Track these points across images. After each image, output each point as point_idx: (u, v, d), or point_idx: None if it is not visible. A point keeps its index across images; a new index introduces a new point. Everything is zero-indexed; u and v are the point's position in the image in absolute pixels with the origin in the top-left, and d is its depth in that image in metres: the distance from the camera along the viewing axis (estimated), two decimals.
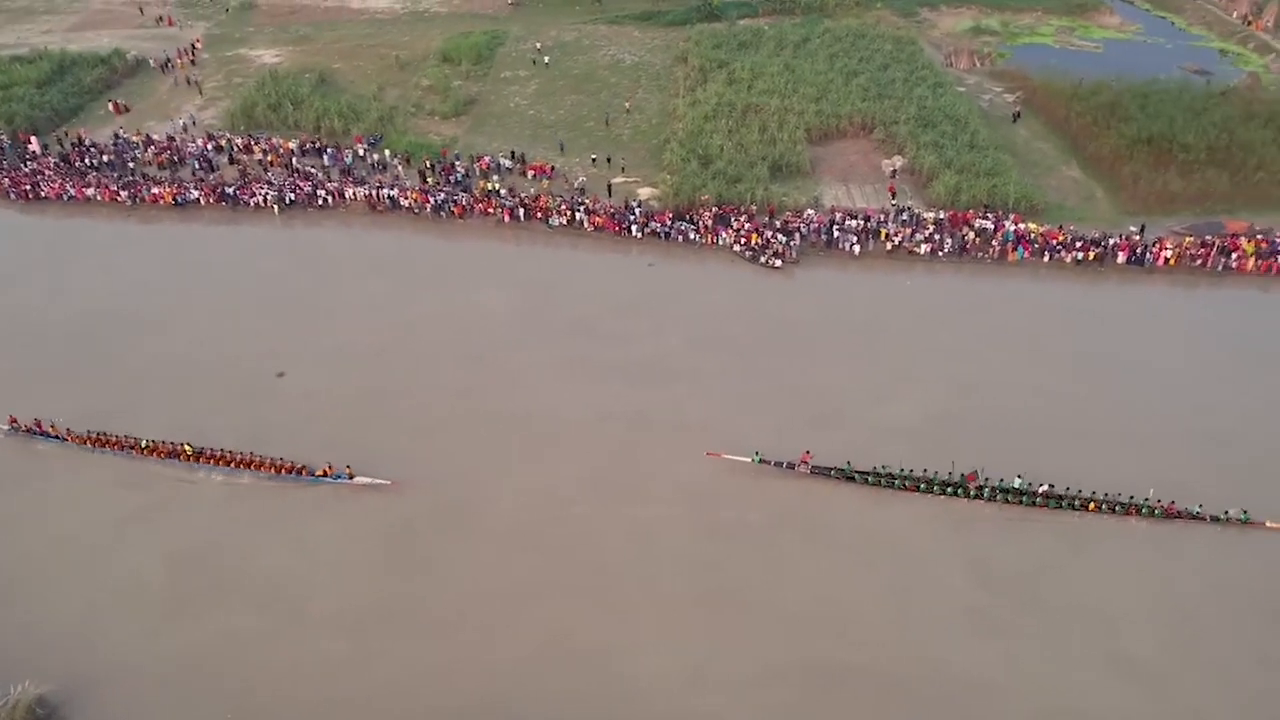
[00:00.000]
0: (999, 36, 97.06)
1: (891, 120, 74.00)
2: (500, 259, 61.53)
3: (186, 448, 44.82)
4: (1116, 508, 42.38)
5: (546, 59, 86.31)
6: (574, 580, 39.47)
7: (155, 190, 66.67)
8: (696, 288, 58.79)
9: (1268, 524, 41.79)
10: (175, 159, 70.97)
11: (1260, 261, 60.31)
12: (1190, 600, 38.70)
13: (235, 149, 71.73)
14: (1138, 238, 62.03)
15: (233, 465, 44.46)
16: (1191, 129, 70.63)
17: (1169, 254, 60.61)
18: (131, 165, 70.76)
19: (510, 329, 54.32)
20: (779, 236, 61.60)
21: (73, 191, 66.94)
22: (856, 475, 44.00)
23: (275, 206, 65.48)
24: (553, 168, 69.82)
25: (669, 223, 63.36)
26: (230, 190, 66.22)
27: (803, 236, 62.28)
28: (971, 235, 62.16)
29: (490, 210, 65.11)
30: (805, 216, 63.86)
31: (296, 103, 76.87)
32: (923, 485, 43.55)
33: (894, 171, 69.52)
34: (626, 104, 72.83)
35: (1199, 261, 60.62)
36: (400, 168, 70.15)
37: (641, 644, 37.00)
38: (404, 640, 37.06)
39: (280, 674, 36.02)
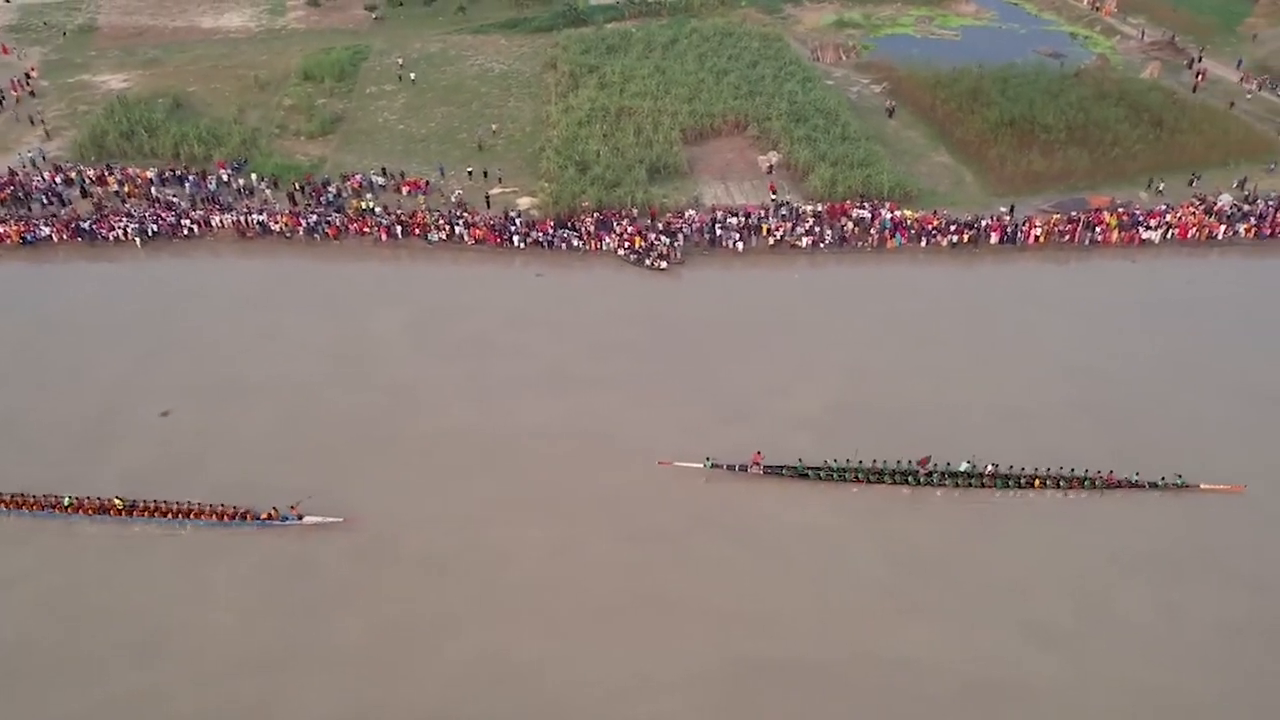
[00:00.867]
0: (862, 29, 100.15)
1: (764, 116, 75.58)
2: (383, 278, 60.58)
3: (116, 502, 42.61)
4: (1060, 482, 43.96)
5: (412, 75, 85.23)
6: (502, 600, 39.03)
7: None
8: (587, 295, 58.97)
9: (1202, 486, 43.95)
10: (20, 195, 67.61)
11: (1123, 233, 63.77)
12: (1096, 566, 40.50)
13: (87, 181, 68.73)
14: (1008, 218, 64.90)
15: (170, 516, 42.42)
16: (1050, 110, 74.39)
17: (1038, 232, 63.59)
18: None
19: (405, 349, 53.47)
20: (662, 238, 62.30)
21: None
22: (809, 472, 44.54)
23: (137, 239, 63.03)
24: (427, 182, 69.11)
25: (551, 231, 63.41)
26: (86, 224, 63.44)
27: (686, 237, 63.12)
28: (850, 225, 64.02)
29: (366, 230, 64.06)
30: (687, 217, 64.75)
31: (151, 129, 74.07)
32: (874, 476, 44.47)
33: (770, 167, 71.05)
34: (494, 127, 72.42)
35: (1067, 237, 63.77)
36: (269, 191, 68.37)
37: (575, 655, 36.90)
38: (323, 676, 36.13)
39: None
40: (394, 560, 40.80)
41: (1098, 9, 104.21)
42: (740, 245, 63.00)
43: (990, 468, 44.26)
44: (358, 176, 69.19)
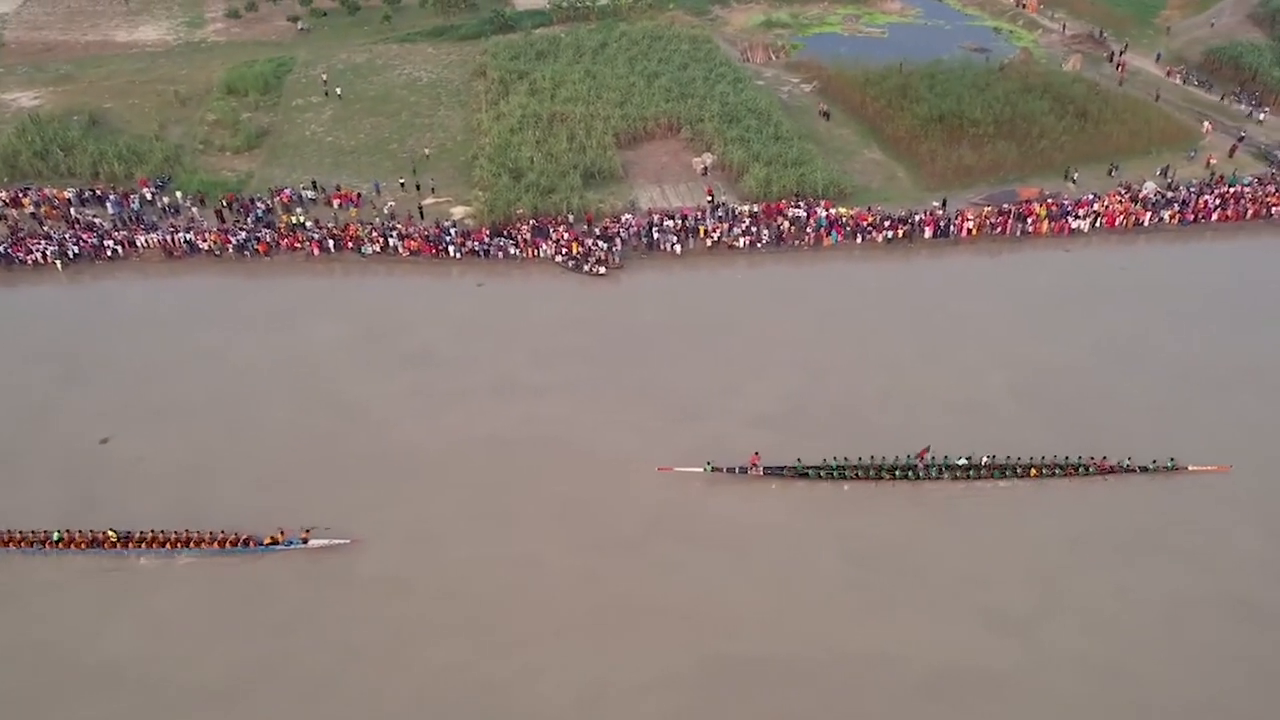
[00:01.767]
0: (790, 29, 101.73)
1: (697, 119, 76.38)
2: (320, 294, 60.10)
3: (110, 534, 41.57)
4: (1056, 470, 45.04)
5: (338, 90, 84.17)
6: (462, 617, 38.92)
7: None
8: (529, 303, 59.05)
9: (1190, 468, 45.34)
10: None
11: (1053, 224, 65.64)
12: (1053, 551, 41.68)
13: (1, 204, 67.16)
14: (941, 212, 66.42)
15: (167, 546, 41.49)
16: (978, 104, 76.31)
17: (971, 225, 65.19)
18: None
19: (348, 365, 53.02)
20: (600, 243, 62.68)
21: None
22: (809, 471, 45.06)
23: (58, 262, 61.68)
24: (359, 195, 68.69)
25: (487, 240, 63.44)
26: (1, 248, 62.00)
27: (623, 241, 63.57)
28: (786, 224, 65.02)
29: (298, 245, 63.47)
30: (623, 221, 65.23)
31: (67, 148, 72.50)
32: (874, 472, 45.13)
33: (705, 169, 71.84)
34: (427, 151, 72.04)
35: (999, 229, 65.46)
36: (195, 209, 67.33)
37: (543, 666, 36.95)
38: (287, 701, 35.74)
39: None
40: (348, 581, 40.44)
41: (1023, 6, 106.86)
42: (678, 248, 63.62)
43: (987, 459, 45.18)
44: (287, 191, 68.54)
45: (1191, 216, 66.68)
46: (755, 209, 66.52)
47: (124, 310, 58.66)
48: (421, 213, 66.83)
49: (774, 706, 35.57)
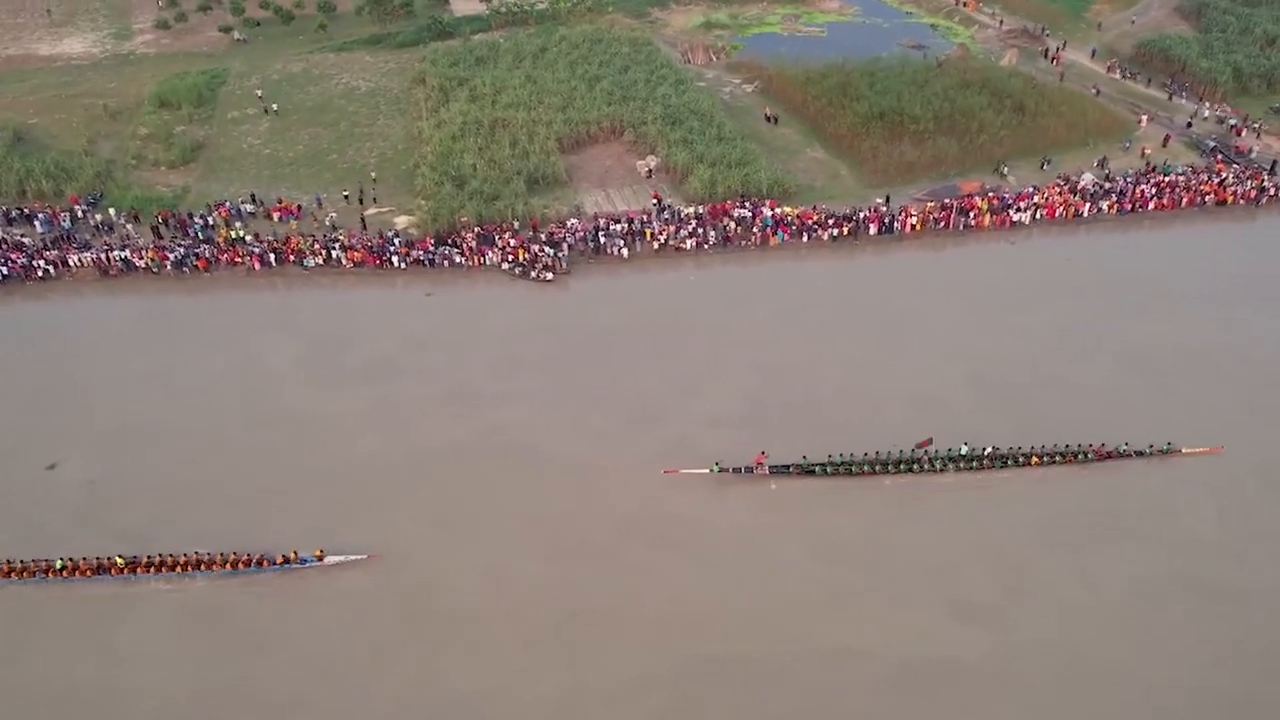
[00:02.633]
0: (730, 29, 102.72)
1: (640, 121, 76.85)
2: (264, 309, 59.60)
3: (118, 560, 40.97)
4: (1056, 458, 46.07)
5: (274, 106, 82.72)
6: (434, 629, 38.90)
7: None
8: (479, 311, 59.01)
9: (1184, 450, 46.55)
10: None
11: (995, 217, 67.01)
12: (1018, 539, 42.66)
13: None
14: (885, 208, 67.51)
15: (178, 570, 40.98)
16: (917, 101, 77.64)
17: (914, 220, 66.33)
18: None
19: (302, 380, 52.65)
20: (546, 249, 62.83)
21: None
22: (816, 468, 45.54)
23: None
24: (299, 207, 68.18)
25: (432, 249, 63.30)
26: None
27: (570, 246, 63.79)
28: (732, 225, 65.68)
29: (238, 260, 62.83)
30: (569, 226, 65.45)
31: None
32: (879, 467, 45.71)
33: (650, 171, 72.30)
34: (373, 175, 71.45)
35: (942, 224, 66.69)
36: (129, 226, 66.35)
37: (514, 679, 37.03)
38: None
39: None
40: (315, 599, 40.25)
41: (963, 3, 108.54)
42: (625, 251, 63.97)
43: (988, 449, 46.08)
44: (225, 205, 67.81)
45: (1129, 206, 68.47)
46: (701, 210, 67.11)
47: (61, 332, 57.70)
48: (364, 223, 66.49)
49: (749, 705, 36.02)
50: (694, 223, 65.95)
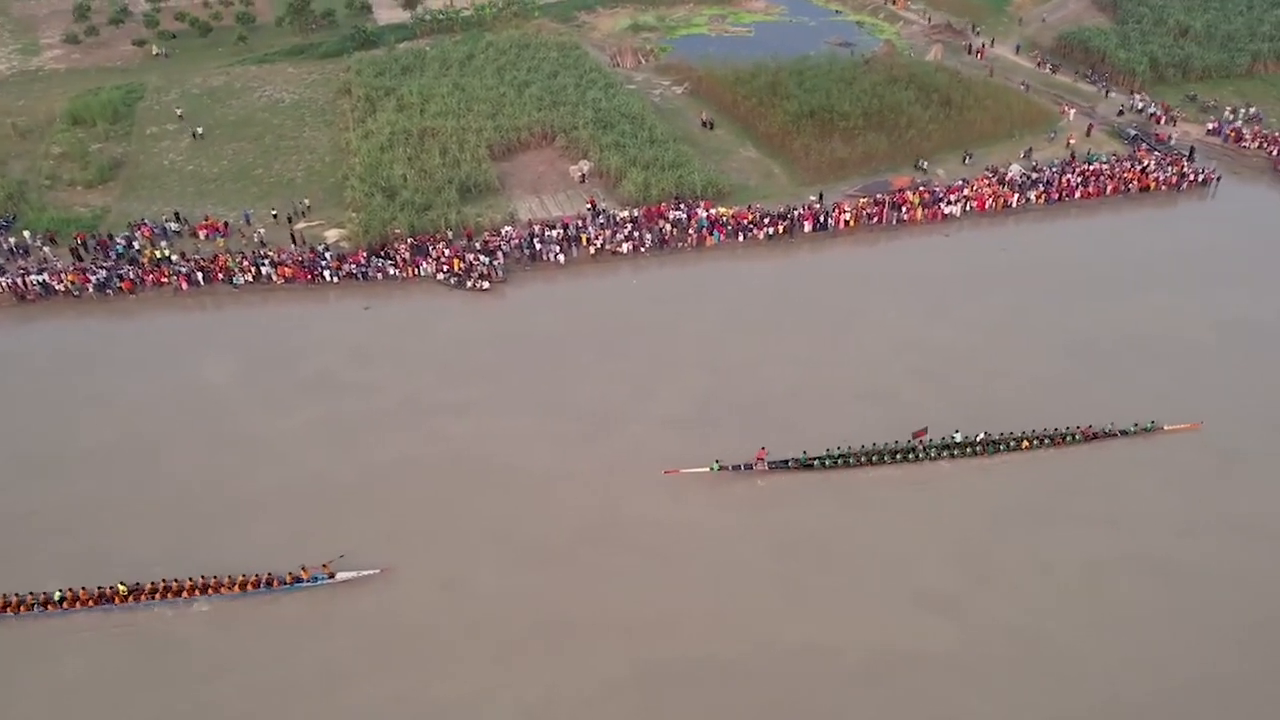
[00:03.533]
0: (658, 31, 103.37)
1: (571, 126, 77.03)
2: (197, 329, 58.68)
3: (120, 588, 40.03)
4: (1046, 440, 47.61)
5: (199, 130, 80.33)
6: (399, 646, 38.69)
7: None
8: (420, 323, 58.60)
9: (1165, 428, 48.25)
10: None
11: (927, 210, 68.37)
12: (975, 526, 43.71)
13: None
14: (818, 206, 68.48)
15: (184, 594, 40.18)
16: (846, 98, 78.80)
17: (848, 216, 67.40)
18: None
19: (245, 400, 51.98)
20: (481, 258, 62.70)
21: None
22: (814, 462, 46.30)
23: None
24: (226, 224, 67.16)
25: (364, 262, 62.80)
26: None
27: (505, 254, 63.72)
28: (668, 227, 66.15)
29: (164, 280, 61.69)
30: (504, 234, 65.40)
31: None
32: (876, 457, 46.65)
33: (583, 176, 72.50)
34: (306, 200, 70.39)
35: (875, 219, 67.84)
36: (46, 249, 64.83)
37: (480, 692, 37.02)
38: None
39: None
40: (272, 621, 39.87)
41: (891, 1, 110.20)
42: (561, 257, 64.07)
43: (980, 435, 47.24)
44: (148, 224, 66.56)
45: (1056, 196, 70.28)
46: (636, 213, 67.47)
47: None
48: (294, 238, 65.72)
49: (717, 705, 36.45)
50: (629, 226, 66.28)
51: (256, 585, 40.67)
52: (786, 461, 46.46)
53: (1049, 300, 59.13)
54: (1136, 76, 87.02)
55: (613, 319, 58.49)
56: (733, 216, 67.09)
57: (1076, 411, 48.82)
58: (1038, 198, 70.13)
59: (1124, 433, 48.23)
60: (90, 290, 60.99)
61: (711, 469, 45.95)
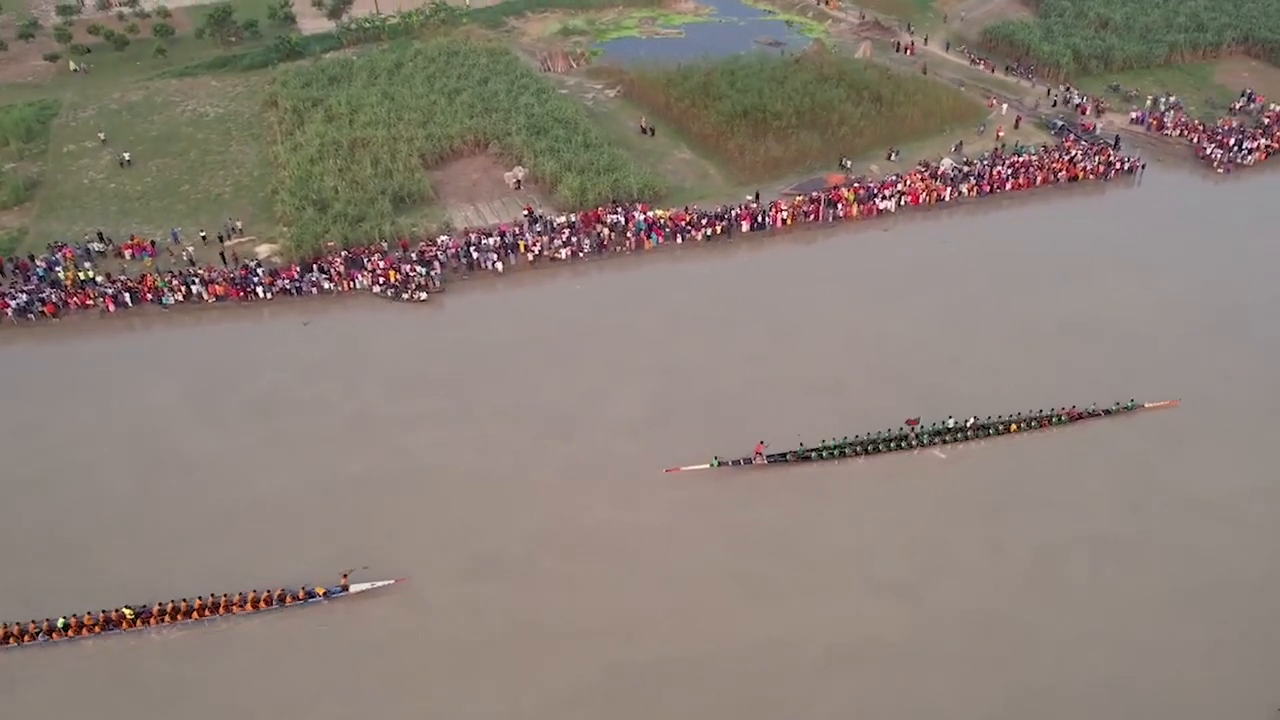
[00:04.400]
0: (588, 35, 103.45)
1: (504, 132, 76.92)
2: (128, 351, 57.69)
3: (127, 612, 39.19)
4: (1033, 423, 49.24)
5: (127, 155, 77.42)
6: (361, 665, 38.43)
7: None
8: (362, 337, 58.14)
9: (1146, 405, 50.30)
10: None
11: (862, 206, 69.40)
12: (926, 515, 44.78)
13: None
14: (755, 205, 69.22)
15: (194, 616, 39.54)
16: (778, 97, 79.78)
17: (785, 215, 68.22)
18: None
19: (189, 422, 51.08)
20: (418, 269, 62.33)
21: None
22: (811, 454, 47.33)
23: None
24: (153, 243, 65.93)
25: (298, 276, 62.09)
26: None
27: (442, 264, 63.44)
28: (606, 232, 66.37)
29: (89, 302, 60.41)
30: (440, 243, 65.10)
31: None
32: (871, 446, 47.83)
33: (518, 183, 72.42)
34: (237, 223, 68.96)
35: (812, 216, 68.77)
36: None
37: (445, 708, 37.00)
38: None
39: None
40: (225, 644, 39.39)
41: (824, 2, 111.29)
42: (499, 265, 63.96)
43: (970, 420, 48.73)
44: (69, 246, 65.08)
45: (988, 188, 71.83)
46: (573, 219, 67.58)
47: None
48: (224, 255, 64.72)
49: (683, 704, 36.89)
50: (567, 232, 66.35)
51: (270, 602, 40.32)
52: (784, 455, 47.40)
53: (991, 289, 60.73)
54: (1061, 69, 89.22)
55: (558, 325, 58.56)
56: (670, 219, 67.52)
57: (1027, 396, 50.31)
58: (970, 190, 71.59)
59: (1107, 412, 50.04)
60: (9, 315, 59.46)
61: (711, 465, 46.67)
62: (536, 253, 64.82)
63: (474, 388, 53.11)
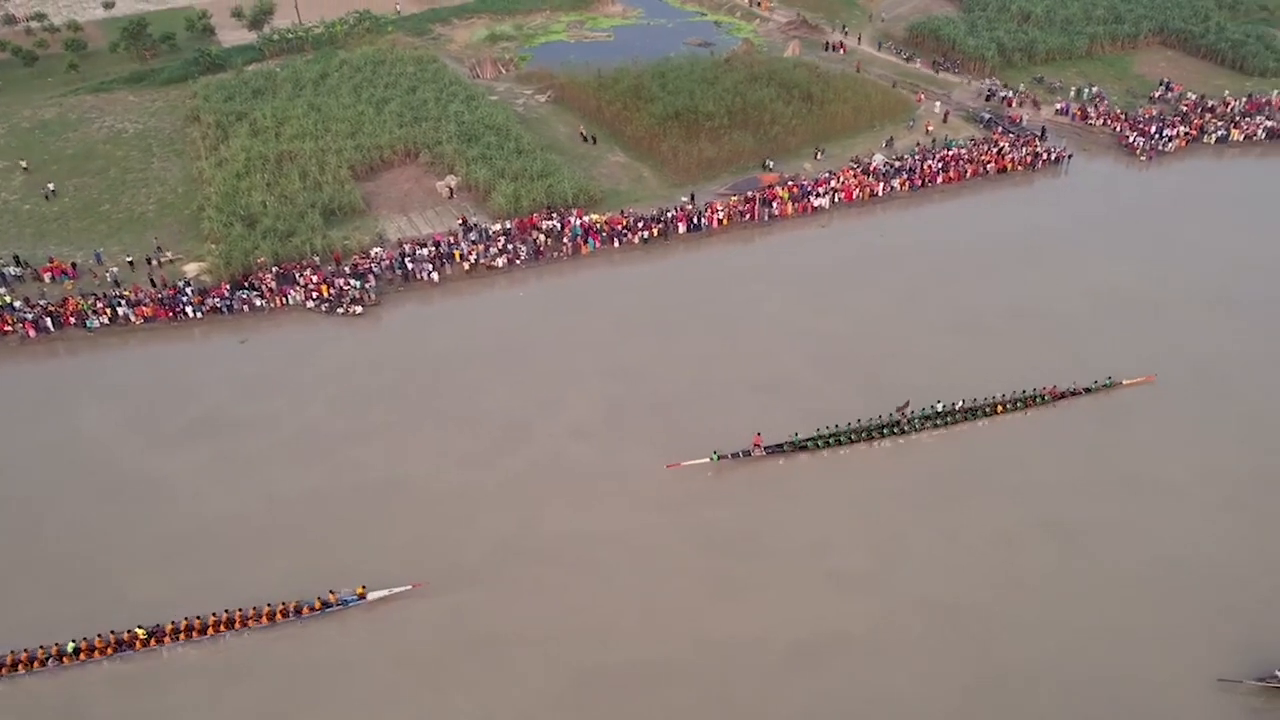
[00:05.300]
0: (516, 40, 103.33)
1: (434, 141, 76.53)
2: (53, 378, 56.34)
3: (139, 632, 38.35)
4: (1018, 404, 51.10)
5: (52, 187, 74.78)
6: (327, 683, 38.08)
7: None
8: (301, 353, 57.50)
9: (1124, 382, 52.16)
10: None
11: (797, 204, 70.21)
12: (881, 505, 45.57)
13: None
14: (691, 206, 69.64)
15: (209, 632, 38.83)
16: (709, 98, 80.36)
17: (721, 215, 68.75)
18: None
19: (129, 446, 50.11)
20: (352, 282, 61.76)
21: None
22: (808, 444, 48.45)
23: None
24: (74, 265, 64.46)
25: (228, 294, 61.14)
26: None
27: (376, 276, 62.93)
28: (542, 238, 66.32)
29: (8, 328, 58.91)
30: (374, 255, 64.56)
31: None
32: (864, 434, 49.12)
33: (451, 191, 72.08)
34: (169, 254, 67.37)
35: (747, 216, 69.39)
36: None
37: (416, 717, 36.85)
38: None
39: None
40: (186, 669, 38.80)
41: (756, 3, 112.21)
42: (435, 275, 63.61)
43: (959, 403, 50.35)
44: None
45: (920, 182, 73.07)
46: (508, 226, 67.44)
47: None
48: (151, 276, 63.47)
49: (653, 705, 37.13)
50: (503, 239, 66.20)
51: (285, 615, 39.97)
52: (781, 445, 48.30)
53: (929, 281, 61.89)
54: (986, 62, 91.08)
55: (500, 334, 58.48)
56: (606, 223, 67.69)
57: (975, 383, 51.50)
58: (902, 185, 72.78)
59: (1087, 390, 51.81)
60: None
61: (712, 459, 47.24)
62: (473, 262, 64.57)
63: (422, 399, 52.86)
